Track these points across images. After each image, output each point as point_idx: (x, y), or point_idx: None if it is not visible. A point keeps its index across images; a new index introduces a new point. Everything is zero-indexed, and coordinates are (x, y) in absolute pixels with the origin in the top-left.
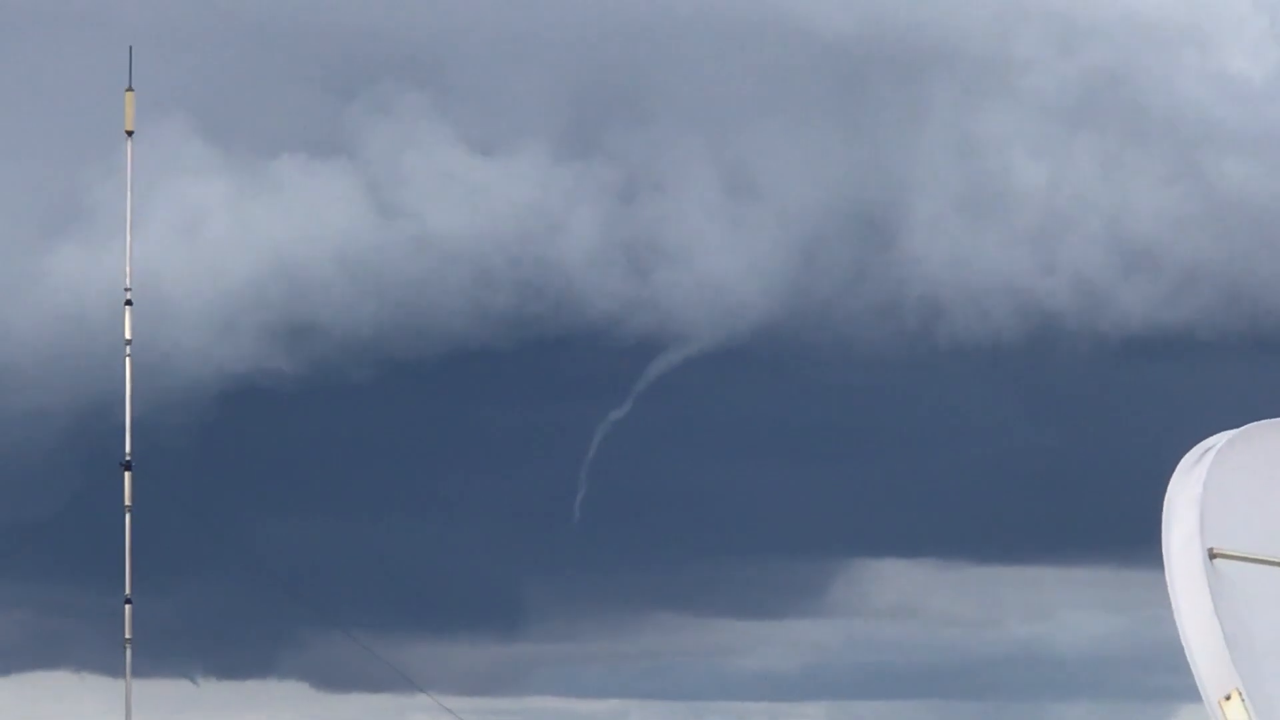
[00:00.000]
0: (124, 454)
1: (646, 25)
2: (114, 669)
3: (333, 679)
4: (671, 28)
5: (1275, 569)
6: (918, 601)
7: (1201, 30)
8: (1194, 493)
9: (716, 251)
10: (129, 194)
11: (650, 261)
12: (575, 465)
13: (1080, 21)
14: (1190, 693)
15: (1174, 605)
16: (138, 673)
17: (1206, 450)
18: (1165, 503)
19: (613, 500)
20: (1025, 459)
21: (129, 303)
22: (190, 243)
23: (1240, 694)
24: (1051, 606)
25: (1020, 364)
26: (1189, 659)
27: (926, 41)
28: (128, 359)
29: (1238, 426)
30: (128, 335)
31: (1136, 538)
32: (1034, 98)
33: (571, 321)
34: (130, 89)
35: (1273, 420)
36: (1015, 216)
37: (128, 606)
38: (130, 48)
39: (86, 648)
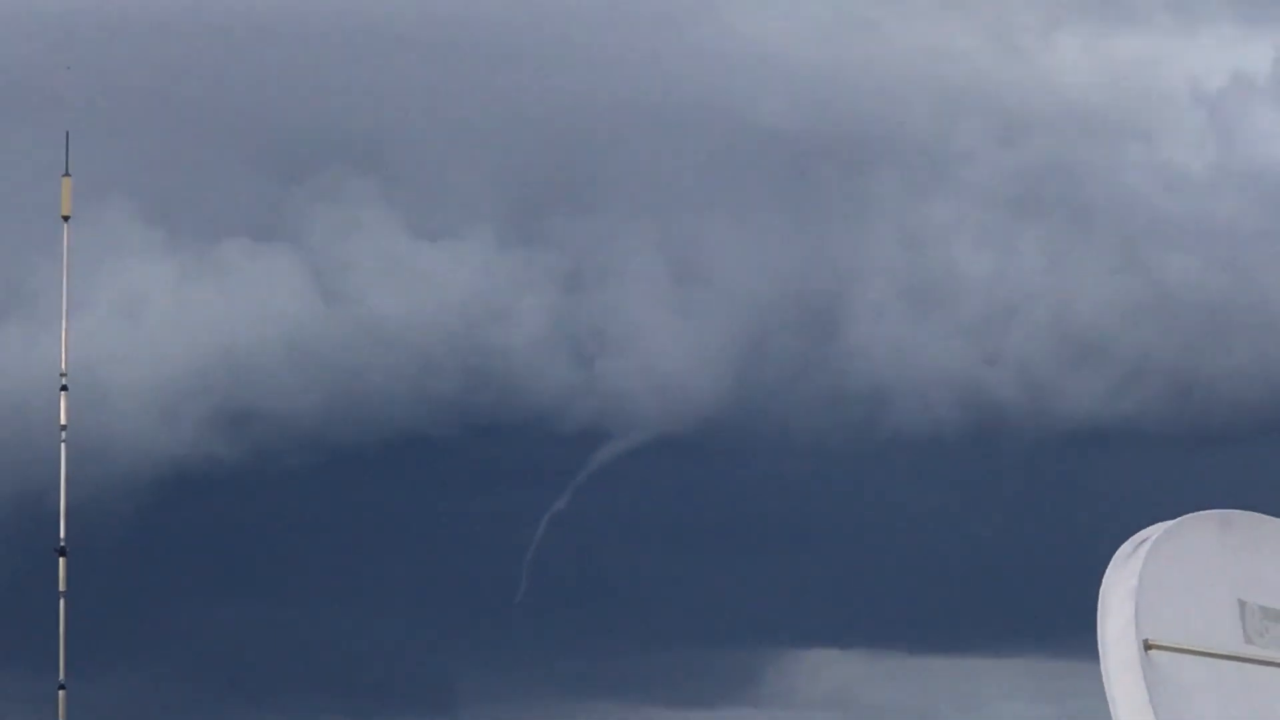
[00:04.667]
0: (58, 539)
1: (592, 114)
2: None
3: None
4: (617, 116)
5: (1210, 660)
6: (851, 692)
7: (1142, 122)
8: (1129, 584)
9: (661, 340)
10: (64, 279)
11: (595, 349)
12: (516, 554)
13: (1021, 113)
14: None
15: (1109, 697)
16: None
17: (1142, 542)
18: (1100, 594)
19: (549, 589)
20: (961, 550)
21: (64, 388)
22: (131, 327)
23: None
24: (985, 697)
25: (963, 455)
26: None
27: (870, 132)
28: (63, 445)
29: (1176, 518)
30: (63, 421)
31: (1071, 628)
32: (977, 189)
33: (515, 409)
34: (67, 174)
35: (1208, 512)
36: (959, 307)
37: (61, 692)
38: (67, 133)
39: None
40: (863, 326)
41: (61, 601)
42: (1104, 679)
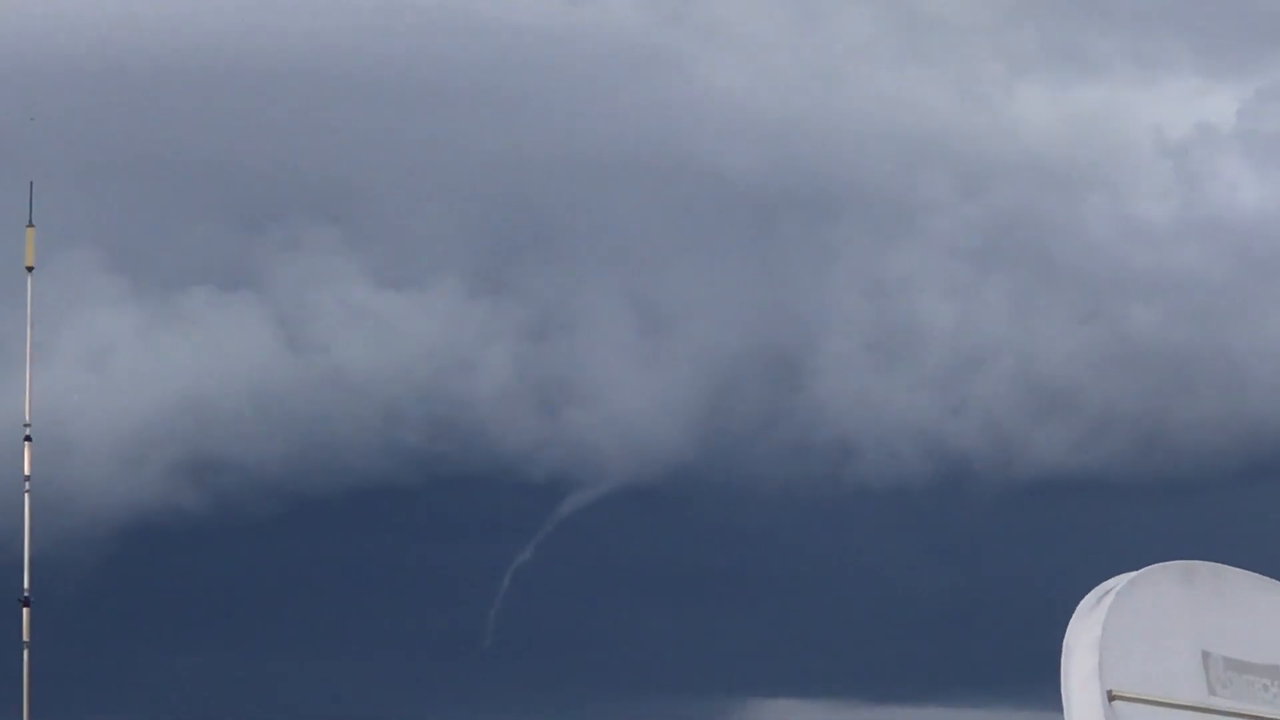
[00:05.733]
0: (22, 590)
1: (558, 164)
2: None
3: None
4: (584, 168)
5: (1174, 711)
6: None
7: (1106, 173)
8: (1093, 635)
9: (627, 390)
10: (29, 329)
11: (561, 400)
12: (482, 604)
13: (985, 165)
14: None
15: None
16: None
17: (1106, 592)
18: (1065, 644)
19: (515, 638)
20: (924, 600)
21: (28, 438)
22: (96, 377)
23: None
24: None
25: (927, 506)
26: None
27: (835, 184)
28: (26, 495)
29: (1141, 568)
30: (26, 471)
31: (1035, 679)
32: (941, 240)
33: (481, 459)
34: (31, 225)
35: (1172, 563)
36: (924, 358)
37: None
38: (31, 183)
39: None
40: (828, 377)
41: (25, 652)
42: None
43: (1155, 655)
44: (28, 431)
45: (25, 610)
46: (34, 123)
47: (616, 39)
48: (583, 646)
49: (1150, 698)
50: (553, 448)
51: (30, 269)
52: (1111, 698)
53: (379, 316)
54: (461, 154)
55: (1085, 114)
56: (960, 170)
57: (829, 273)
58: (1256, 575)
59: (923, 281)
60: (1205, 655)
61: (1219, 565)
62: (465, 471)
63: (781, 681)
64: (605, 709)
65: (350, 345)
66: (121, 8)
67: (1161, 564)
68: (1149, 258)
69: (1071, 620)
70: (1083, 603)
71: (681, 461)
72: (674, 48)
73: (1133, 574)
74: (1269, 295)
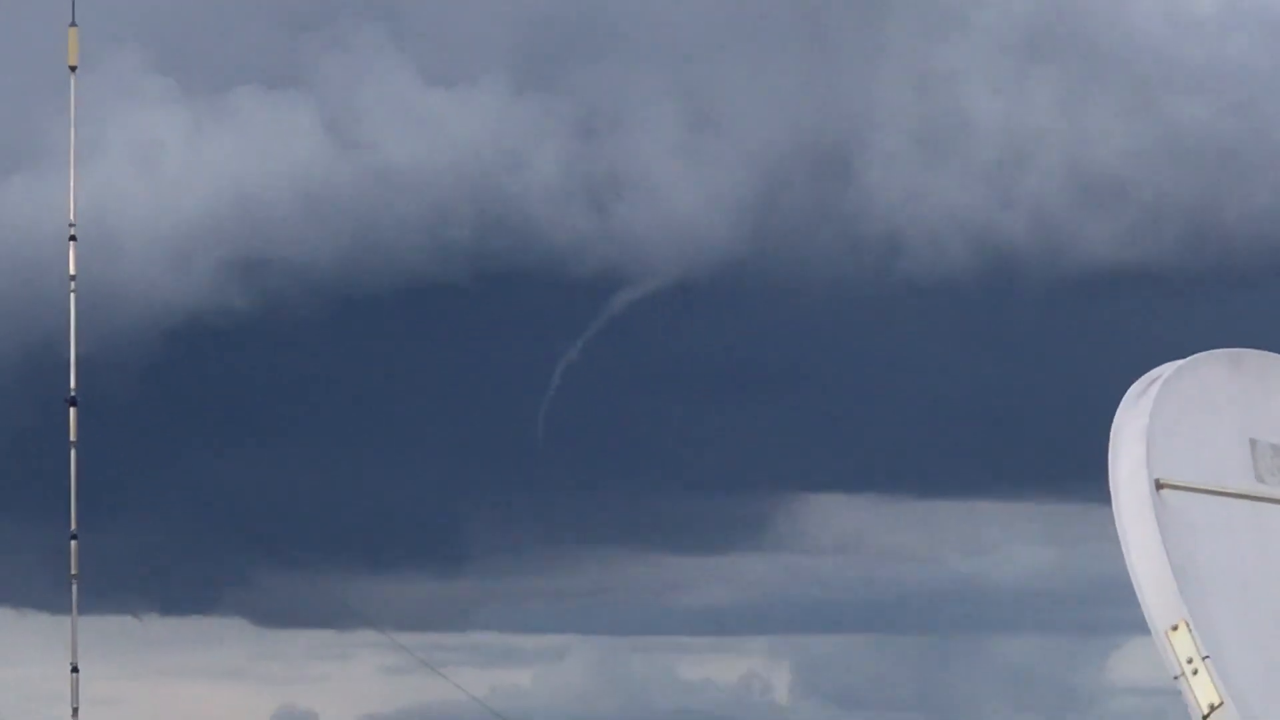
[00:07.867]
0: (69, 390)
1: None
2: (54, 605)
3: (274, 615)
4: None
5: (1221, 499)
6: (860, 536)
7: None
8: (1141, 423)
9: (676, 186)
10: (72, 129)
11: (610, 196)
12: (531, 401)
13: None
14: (1134, 625)
15: (1121, 537)
16: (79, 609)
17: (1154, 380)
18: (1112, 433)
19: (558, 435)
20: (973, 393)
21: (73, 238)
22: (141, 176)
23: (1187, 624)
24: (993, 540)
25: (976, 299)
26: (1136, 591)
27: None
28: (72, 295)
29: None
30: (72, 271)
31: (1080, 471)
32: (989, 33)
33: (530, 256)
34: (74, 24)
35: (1219, 350)
36: (972, 151)
37: (73, 542)
38: None
39: (29, 584)
40: (877, 171)
41: (73, 451)
42: (1115, 519)
43: (1202, 443)
44: (73, 231)
45: (72, 410)
46: None
47: None
48: (631, 443)
49: (1198, 485)
50: (602, 244)
51: (73, 68)
52: (1159, 486)
53: (427, 114)
54: None
55: None
56: None
57: (877, 67)
58: None
59: (971, 75)
60: (1253, 443)
61: (1268, 353)
62: (514, 268)
63: (830, 475)
64: (654, 505)
65: (398, 143)
66: None
67: (1209, 351)
68: (1197, 50)
69: (1119, 409)
70: (1129, 391)
71: (731, 257)
72: None
73: (1180, 361)
74: None
